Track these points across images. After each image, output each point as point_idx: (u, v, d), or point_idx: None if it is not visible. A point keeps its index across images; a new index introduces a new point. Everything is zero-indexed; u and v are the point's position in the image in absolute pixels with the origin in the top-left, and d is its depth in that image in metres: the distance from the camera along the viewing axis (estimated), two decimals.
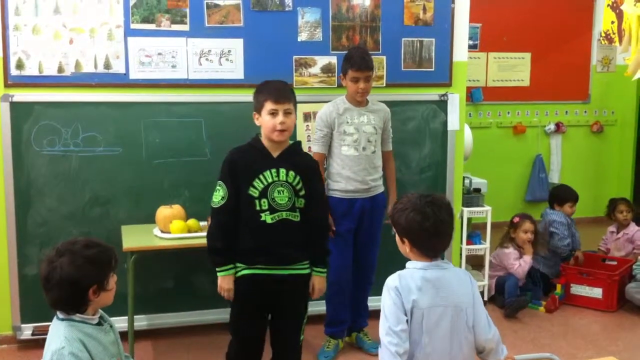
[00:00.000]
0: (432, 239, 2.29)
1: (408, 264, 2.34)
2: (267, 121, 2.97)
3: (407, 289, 2.23)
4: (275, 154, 3.02)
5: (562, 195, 5.40)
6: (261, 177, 2.96)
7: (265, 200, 2.95)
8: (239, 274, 3.01)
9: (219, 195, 3.00)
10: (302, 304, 3.13)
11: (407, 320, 2.20)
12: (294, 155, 3.07)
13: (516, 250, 4.90)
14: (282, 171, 2.98)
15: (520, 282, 4.85)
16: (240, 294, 3.02)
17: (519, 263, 4.84)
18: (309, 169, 3.10)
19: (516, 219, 4.99)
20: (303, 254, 3.06)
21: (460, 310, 2.27)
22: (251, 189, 2.96)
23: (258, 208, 2.96)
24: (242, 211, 2.98)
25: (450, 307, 2.25)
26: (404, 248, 2.34)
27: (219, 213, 3.02)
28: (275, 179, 2.97)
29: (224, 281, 3.01)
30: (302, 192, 3.02)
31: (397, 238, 2.37)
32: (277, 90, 3.01)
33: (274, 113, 2.96)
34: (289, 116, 2.99)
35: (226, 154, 3.10)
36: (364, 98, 3.83)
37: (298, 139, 4.21)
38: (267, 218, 2.96)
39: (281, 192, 2.97)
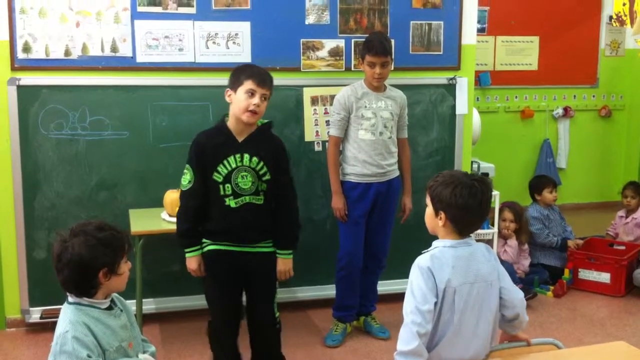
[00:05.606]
0: (475, 216, 2.29)
1: (436, 243, 2.32)
2: (241, 100, 2.97)
3: (439, 269, 2.21)
4: (240, 139, 3.03)
5: (537, 184, 5.27)
6: (225, 162, 2.99)
7: (229, 185, 3.00)
8: (206, 249, 3.09)
9: (186, 179, 3.06)
10: (270, 279, 3.15)
11: (435, 303, 2.20)
12: (260, 140, 3.06)
13: (500, 238, 4.87)
14: (246, 156, 3.00)
15: (515, 267, 4.83)
16: (208, 267, 3.10)
17: (504, 249, 4.84)
18: (274, 153, 3.09)
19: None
20: (267, 234, 3.11)
21: (489, 283, 2.29)
22: (215, 174, 3.00)
23: (222, 193, 3.00)
24: (209, 194, 3.03)
25: (479, 283, 2.26)
26: (436, 222, 2.30)
27: (185, 196, 3.08)
28: (239, 164, 2.99)
29: (191, 262, 3.10)
30: (266, 177, 3.04)
31: (429, 211, 2.33)
32: (262, 74, 3.03)
33: (252, 93, 2.96)
34: (264, 101, 3.00)
35: None
36: (381, 83, 3.81)
37: (305, 122, 4.21)
38: (231, 202, 3.01)
39: (245, 177, 3.00)
